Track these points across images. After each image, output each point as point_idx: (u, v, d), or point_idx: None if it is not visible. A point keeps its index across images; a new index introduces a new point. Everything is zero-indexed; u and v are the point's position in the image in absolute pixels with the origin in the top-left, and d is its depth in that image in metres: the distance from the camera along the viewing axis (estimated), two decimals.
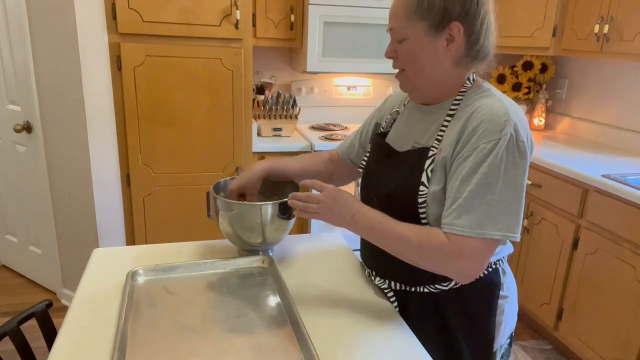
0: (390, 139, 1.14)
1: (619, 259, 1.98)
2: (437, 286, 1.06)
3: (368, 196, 1.14)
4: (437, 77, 1.01)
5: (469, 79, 1.03)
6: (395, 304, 1.10)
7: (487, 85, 1.03)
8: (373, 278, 1.17)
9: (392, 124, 1.18)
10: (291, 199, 1.06)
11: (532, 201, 2.45)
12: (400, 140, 1.11)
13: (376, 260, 1.16)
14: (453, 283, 1.05)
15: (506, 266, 1.12)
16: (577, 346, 2.23)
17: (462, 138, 0.96)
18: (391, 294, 1.11)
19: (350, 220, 0.99)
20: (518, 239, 0.94)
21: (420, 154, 1.02)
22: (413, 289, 1.09)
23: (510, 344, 1.20)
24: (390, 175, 1.07)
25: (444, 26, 0.96)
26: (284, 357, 0.90)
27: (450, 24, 0.95)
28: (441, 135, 1.00)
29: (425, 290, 1.08)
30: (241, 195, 1.29)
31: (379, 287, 1.14)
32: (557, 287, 2.32)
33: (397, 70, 1.06)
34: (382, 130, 1.21)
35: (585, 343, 2.18)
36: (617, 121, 2.74)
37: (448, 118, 1.01)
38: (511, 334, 1.19)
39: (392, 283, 1.11)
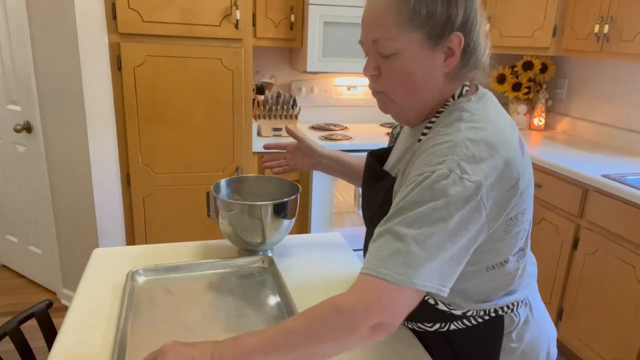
0: (389, 159, 1.01)
1: (619, 259, 1.98)
2: (419, 325, 0.97)
3: (363, 217, 1.06)
4: (428, 96, 0.86)
5: (452, 95, 0.87)
6: None
7: (469, 104, 0.84)
8: None
9: (395, 139, 1.06)
10: None
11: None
12: (393, 162, 0.97)
13: None
14: (438, 325, 0.94)
15: (522, 313, 0.93)
16: (577, 346, 2.23)
17: (407, 169, 0.85)
18: None
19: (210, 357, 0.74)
20: (443, 293, 0.75)
21: (392, 184, 0.90)
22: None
23: None
24: (372, 200, 0.97)
25: (444, 37, 0.80)
26: None
27: (451, 35, 0.80)
28: (403, 167, 0.89)
29: (409, 326, 1.00)
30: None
31: None
32: (557, 287, 2.32)
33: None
34: (390, 144, 1.09)
35: (585, 343, 2.18)
36: (617, 121, 2.74)
37: (417, 143, 0.86)
38: None
39: None
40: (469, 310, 0.90)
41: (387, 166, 0.99)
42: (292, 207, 1.23)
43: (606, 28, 2.34)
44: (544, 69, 3.07)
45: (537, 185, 2.39)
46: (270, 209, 1.17)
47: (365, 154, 1.14)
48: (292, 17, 2.59)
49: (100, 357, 0.89)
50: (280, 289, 1.10)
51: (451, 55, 0.82)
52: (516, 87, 3.11)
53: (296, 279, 1.19)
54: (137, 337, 0.94)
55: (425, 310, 0.93)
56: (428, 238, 0.73)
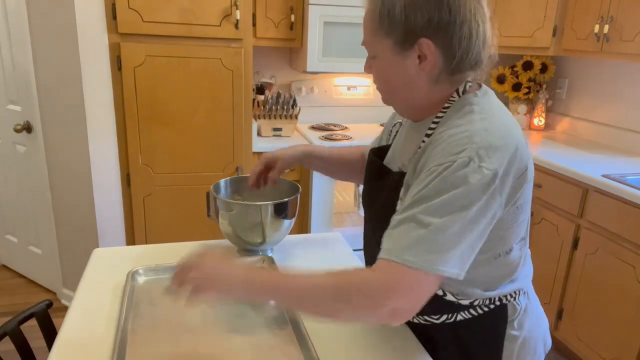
0: (388, 155, 1.04)
1: (619, 259, 1.98)
2: (426, 318, 0.97)
3: (365, 215, 1.07)
4: (413, 99, 0.90)
5: (457, 91, 0.88)
6: None
7: (476, 98, 0.87)
8: None
9: (394, 137, 1.08)
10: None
11: (532, 201, 2.45)
12: (394, 157, 1.01)
13: None
14: (445, 317, 0.95)
15: (523, 301, 0.97)
16: (577, 346, 2.23)
17: (421, 160, 0.86)
18: None
19: (243, 280, 0.81)
20: (461, 277, 0.79)
21: (399, 179, 0.92)
22: None
23: None
24: (375, 196, 0.99)
25: (410, 43, 0.83)
26: (284, 357, 0.90)
27: (419, 41, 0.82)
28: (416, 159, 0.89)
29: (416, 320, 0.99)
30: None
31: None
32: (557, 287, 2.32)
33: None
34: (387, 142, 1.12)
35: (585, 343, 2.18)
36: (617, 121, 2.74)
37: (425, 139, 0.88)
38: None
39: None
40: (475, 300, 0.92)
41: (389, 163, 1.01)
42: (292, 207, 1.23)
43: (606, 28, 2.34)
44: (544, 69, 3.07)
45: (537, 185, 2.39)
46: (270, 209, 1.17)
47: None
48: (292, 17, 2.59)
49: (100, 357, 0.89)
50: None
51: (425, 59, 0.84)
52: (516, 87, 3.11)
53: None
54: (137, 337, 0.94)
55: (432, 302, 0.91)
56: (450, 226, 0.76)
